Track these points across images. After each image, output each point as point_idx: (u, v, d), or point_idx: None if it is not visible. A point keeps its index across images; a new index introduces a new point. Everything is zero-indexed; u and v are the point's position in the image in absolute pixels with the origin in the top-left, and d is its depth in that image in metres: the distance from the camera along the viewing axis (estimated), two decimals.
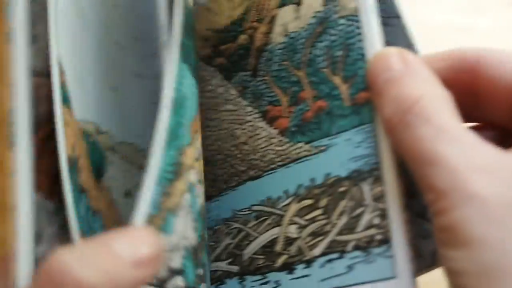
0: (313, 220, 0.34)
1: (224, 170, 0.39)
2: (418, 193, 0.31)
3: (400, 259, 0.30)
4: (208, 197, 0.39)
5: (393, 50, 0.32)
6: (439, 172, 0.28)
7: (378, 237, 0.31)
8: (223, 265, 0.37)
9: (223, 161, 0.39)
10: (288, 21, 0.36)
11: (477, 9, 0.71)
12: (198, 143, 0.35)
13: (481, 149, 0.29)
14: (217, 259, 0.38)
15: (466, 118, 0.32)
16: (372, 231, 0.32)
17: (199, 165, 0.35)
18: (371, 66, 0.32)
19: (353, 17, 0.34)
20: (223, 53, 0.40)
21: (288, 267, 0.34)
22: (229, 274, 0.37)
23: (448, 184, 0.28)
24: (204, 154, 0.38)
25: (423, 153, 0.29)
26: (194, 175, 0.34)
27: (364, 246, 0.31)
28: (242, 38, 0.39)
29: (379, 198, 0.32)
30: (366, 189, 0.32)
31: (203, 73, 0.40)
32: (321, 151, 0.34)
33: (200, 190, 0.35)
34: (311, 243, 0.34)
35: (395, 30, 0.35)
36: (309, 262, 0.34)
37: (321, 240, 0.33)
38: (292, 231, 0.35)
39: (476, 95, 0.33)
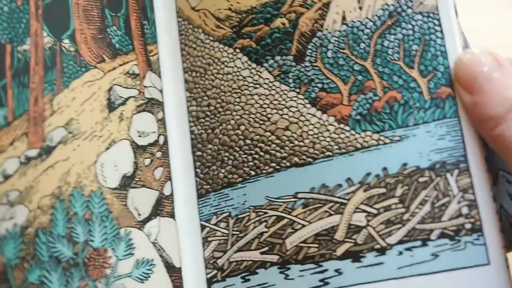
0: (387, 209, 0.33)
1: (253, 156, 0.36)
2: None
3: (493, 247, 0.31)
4: (228, 183, 0.36)
5: (485, 50, 0.32)
6: None
7: (468, 225, 0.32)
8: (254, 255, 0.35)
9: (252, 146, 0.36)
10: (348, 9, 0.35)
11: (477, 9, 0.72)
12: None
13: None
14: (244, 248, 0.35)
15: None
16: (460, 220, 0.31)
17: (6, 187, 0.35)
18: (466, 64, 0.32)
19: (432, 14, 0.34)
20: (249, 36, 0.37)
21: (353, 256, 0.33)
22: (263, 264, 0.35)
23: None
24: (222, 138, 0.37)
25: None
26: None
27: (452, 235, 0.32)
28: (279, 22, 0.37)
29: (466, 189, 0.32)
30: (452, 180, 0.32)
31: (217, 54, 0.38)
32: (395, 141, 0.33)
33: (6, 211, 0.35)
34: (385, 231, 0.33)
35: None
36: (382, 250, 0.33)
37: (398, 229, 0.32)
38: (360, 219, 0.33)
39: None
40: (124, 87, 0.38)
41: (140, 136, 0.38)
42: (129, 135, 0.37)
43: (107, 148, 0.37)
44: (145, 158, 0.37)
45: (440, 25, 0.33)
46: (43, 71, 0.36)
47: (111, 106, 0.38)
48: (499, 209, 0.33)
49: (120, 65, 0.39)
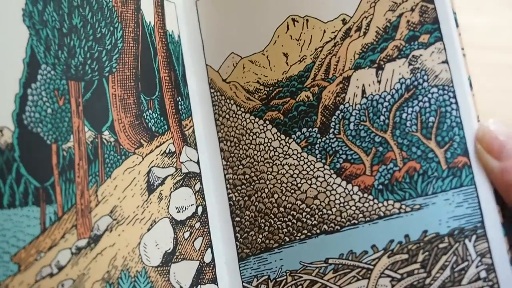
0: (410, 274, 0.35)
1: (287, 223, 0.39)
2: None
3: None
4: (265, 248, 0.39)
5: (498, 119, 0.35)
6: None
7: None
8: None
9: (285, 214, 0.39)
10: (367, 83, 0.38)
11: (477, 9, 0.71)
12: (47, 259, 0.34)
13: None
14: None
15: None
16: (479, 284, 0.34)
17: (61, 277, 0.34)
18: (493, 133, 0.34)
19: (447, 87, 0.36)
20: (277, 108, 0.40)
21: None
22: None
23: None
24: (257, 206, 0.39)
25: None
26: None
27: None
28: (304, 95, 0.39)
29: (484, 253, 0.34)
30: (470, 245, 0.34)
31: (249, 125, 0.41)
32: (416, 210, 0.36)
33: None
34: None
35: None
36: None
37: None
38: (385, 283, 0.36)
39: None
40: (161, 168, 0.40)
41: (178, 212, 0.40)
42: (168, 212, 0.39)
43: (149, 229, 0.38)
44: (185, 232, 0.40)
45: (455, 97, 0.36)
46: (86, 165, 0.36)
47: (150, 188, 0.39)
48: None
49: (157, 146, 0.40)
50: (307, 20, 0.40)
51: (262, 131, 0.40)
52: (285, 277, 0.38)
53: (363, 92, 0.38)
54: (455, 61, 0.36)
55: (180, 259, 0.38)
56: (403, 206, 0.36)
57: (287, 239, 0.38)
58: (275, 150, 0.40)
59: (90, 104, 0.37)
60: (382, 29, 0.38)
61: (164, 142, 0.40)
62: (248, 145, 0.40)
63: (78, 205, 0.35)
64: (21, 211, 0.32)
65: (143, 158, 0.39)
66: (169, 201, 0.39)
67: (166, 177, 0.39)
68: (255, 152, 0.40)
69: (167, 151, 0.40)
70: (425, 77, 0.36)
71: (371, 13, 0.38)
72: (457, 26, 0.36)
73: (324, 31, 0.39)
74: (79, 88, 0.37)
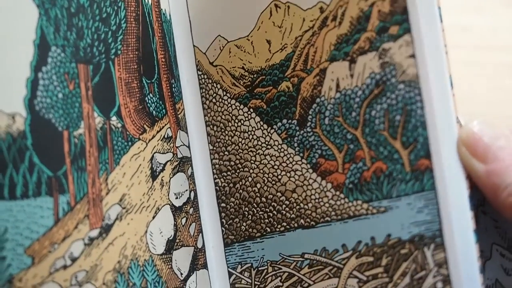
0: (374, 277, 0.36)
1: (268, 214, 0.39)
2: None
3: None
4: (249, 236, 0.40)
5: (485, 120, 0.34)
6: None
7: None
8: None
9: (267, 205, 0.39)
10: (341, 77, 0.37)
11: (477, 9, 0.72)
12: (60, 251, 0.34)
13: None
14: None
15: None
16: None
17: (74, 269, 0.34)
18: (477, 135, 0.33)
19: (414, 83, 0.34)
20: (260, 96, 0.40)
21: None
22: None
23: None
24: (241, 193, 0.40)
25: None
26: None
27: None
28: (285, 85, 0.39)
29: (441, 263, 0.33)
30: (429, 254, 0.34)
31: (234, 111, 0.41)
32: (381, 212, 0.35)
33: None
34: None
35: None
36: None
37: None
38: (353, 284, 0.36)
39: None
40: (162, 153, 0.40)
41: (177, 198, 0.41)
42: (168, 199, 0.40)
43: (154, 217, 0.39)
44: (182, 218, 0.41)
45: (420, 95, 0.34)
46: (97, 152, 0.36)
47: (153, 175, 0.39)
48: (495, 282, 0.35)
49: (157, 131, 0.40)
50: (288, 7, 0.39)
51: (247, 118, 0.41)
52: (266, 267, 0.39)
53: (337, 86, 0.37)
54: (422, 55, 0.34)
55: (179, 246, 0.40)
56: (370, 208, 0.36)
57: (268, 229, 0.39)
58: (258, 139, 0.40)
59: (98, 88, 0.36)
60: (355, 19, 0.36)
61: (163, 127, 0.40)
62: (233, 131, 0.41)
63: (90, 194, 0.35)
64: (34, 202, 0.32)
65: (146, 144, 0.39)
66: (169, 187, 0.40)
67: (166, 163, 0.40)
68: (240, 139, 0.41)
69: (165, 136, 0.40)
70: (393, 72, 0.35)
71: (346, 2, 0.36)
72: (441, 21, 0.34)
73: (304, 19, 0.38)
74: (87, 71, 0.36)
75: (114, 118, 0.37)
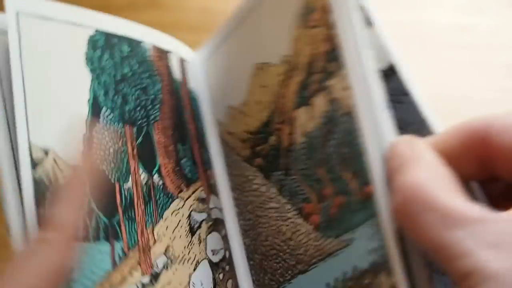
0: None
1: (279, 265, 0.41)
2: None
3: None
4: None
5: (404, 138, 0.32)
6: (453, 258, 0.27)
7: None
8: None
9: (277, 256, 0.41)
10: (304, 121, 0.38)
11: (478, 9, 0.71)
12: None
13: (489, 224, 0.27)
14: None
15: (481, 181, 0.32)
16: None
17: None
18: (388, 156, 0.32)
19: (352, 113, 0.34)
20: (260, 154, 0.42)
21: None
22: None
23: (464, 269, 0.26)
24: (260, 249, 0.42)
25: (433, 241, 0.28)
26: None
27: None
28: (272, 139, 0.41)
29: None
30: (384, 280, 0.32)
31: (246, 172, 0.43)
32: (347, 245, 0.35)
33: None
34: None
35: (405, 107, 0.36)
36: None
37: None
38: None
39: (490, 163, 0.31)
40: (198, 212, 0.43)
41: (213, 254, 0.43)
42: (206, 254, 0.43)
43: (195, 269, 0.41)
44: (219, 273, 0.43)
45: (358, 124, 0.33)
46: (143, 205, 0.39)
47: (192, 231, 0.42)
48: None
49: (193, 192, 0.44)
50: (263, 66, 0.41)
51: (254, 177, 0.43)
52: None
53: (304, 130, 0.38)
54: (353, 85, 0.34)
55: None
56: (340, 242, 0.35)
57: (281, 279, 0.40)
58: (263, 194, 0.42)
59: (142, 148, 0.40)
60: (307, 64, 0.37)
61: (197, 189, 0.44)
62: (248, 191, 0.43)
63: (140, 243, 0.37)
64: (94, 246, 0.35)
65: (184, 202, 0.42)
66: (206, 244, 0.43)
67: (202, 221, 0.43)
68: (253, 198, 0.43)
69: (200, 197, 0.44)
70: (337, 107, 0.35)
71: (301, 49, 0.38)
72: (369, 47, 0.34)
73: (277, 74, 0.40)
74: (132, 132, 0.39)
75: (155, 176, 0.40)
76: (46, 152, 0.34)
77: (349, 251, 0.35)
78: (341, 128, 0.35)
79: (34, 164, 0.33)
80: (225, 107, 0.46)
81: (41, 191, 0.33)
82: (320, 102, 0.37)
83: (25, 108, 0.34)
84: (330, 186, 0.36)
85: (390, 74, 0.37)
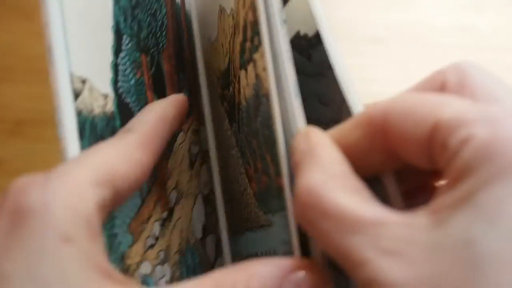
0: None
1: (242, 211, 0.40)
2: None
3: None
4: (235, 232, 0.42)
5: (303, 130, 0.30)
6: (353, 266, 0.25)
7: None
8: None
9: (238, 203, 0.40)
10: (244, 85, 0.35)
11: (478, 8, 0.73)
12: (148, 230, 0.36)
13: (384, 227, 0.25)
14: None
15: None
16: None
17: (157, 248, 0.36)
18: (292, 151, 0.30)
19: (268, 97, 0.31)
20: (225, 98, 0.40)
21: None
22: None
23: (365, 278, 0.25)
24: (228, 190, 0.42)
25: (333, 249, 0.26)
26: (146, 267, 0.36)
27: None
28: (230, 89, 0.39)
29: None
30: None
31: (220, 110, 0.42)
32: (270, 225, 0.34)
33: (161, 270, 0.37)
34: None
35: (328, 82, 0.32)
36: None
37: None
38: None
39: (395, 151, 0.28)
40: (194, 145, 0.43)
41: (204, 187, 0.43)
42: (200, 188, 0.43)
43: (194, 203, 0.41)
44: (208, 206, 0.43)
45: (272, 107, 0.31)
46: None
47: (192, 165, 0.42)
48: None
49: (191, 123, 0.43)
50: (222, 11, 0.39)
51: (224, 118, 0.41)
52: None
53: (244, 94, 0.36)
54: (269, 69, 0.31)
55: (209, 233, 0.43)
56: (266, 219, 0.34)
57: (244, 226, 0.39)
58: (229, 138, 0.41)
59: (155, 79, 0.38)
60: (242, 28, 0.35)
61: (193, 121, 0.43)
62: (223, 130, 0.42)
63: (159, 178, 0.36)
64: None
65: (185, 135, 0.41)
66: (199, 177, 0.43)
67: (197, 154, 0.43)
68: (226, 138, 0.42)
69: (194, 129, 0.43)
70: (260, 85, 0.32)
71: (237, 11, 0.35)
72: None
73: (229, 25, 0.38)
74: (147, 61, 0.37)
75: None
76: (83, 82, 0.31)
77: (272, 232, 0.34)
78: (262, 109, 0.33)
79: (76, 95, 0.31)
80: (205, 37, 0.44)
81: (81, 122, 0.31)
82: (250, 73, 0.34)
83: (64, 36, 0.30)
84: (259, 161, 0.35)
85: (315, 43, 0.33)
